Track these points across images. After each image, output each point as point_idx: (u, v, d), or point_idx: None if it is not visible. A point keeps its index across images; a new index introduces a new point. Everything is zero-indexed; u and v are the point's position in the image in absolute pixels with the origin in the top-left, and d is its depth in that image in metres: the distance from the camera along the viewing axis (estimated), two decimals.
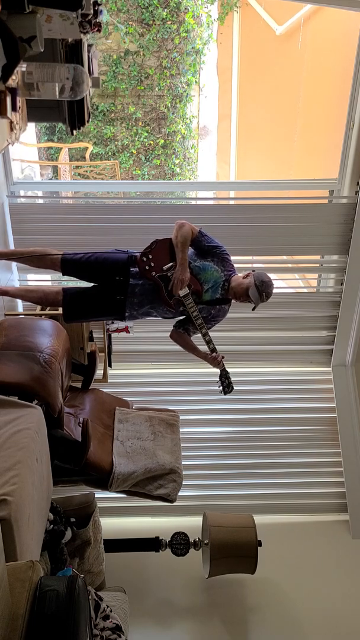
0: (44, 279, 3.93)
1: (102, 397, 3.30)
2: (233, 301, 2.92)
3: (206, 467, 3.88)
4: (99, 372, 3.51)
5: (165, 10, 6.46)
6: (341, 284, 3.91)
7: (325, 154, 4.66)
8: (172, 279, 2.75)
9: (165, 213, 3.70)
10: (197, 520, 3.32)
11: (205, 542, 3.10)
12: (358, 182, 3.68)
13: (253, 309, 2.84)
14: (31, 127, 5.89)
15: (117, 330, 3.67)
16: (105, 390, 3.42)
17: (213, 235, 2.91)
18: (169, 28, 6.59)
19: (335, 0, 3.32)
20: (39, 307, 3.47)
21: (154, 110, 6.99)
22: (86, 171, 5.35)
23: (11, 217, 3.62)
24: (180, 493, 3.01)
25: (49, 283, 3.90)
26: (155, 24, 6.56)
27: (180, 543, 3.14)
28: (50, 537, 2.49)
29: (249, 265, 3.94)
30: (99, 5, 2.12)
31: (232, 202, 4.31)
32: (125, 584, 3.11)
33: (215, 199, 4.58)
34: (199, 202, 4.34)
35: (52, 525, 2.51)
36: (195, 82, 7.00)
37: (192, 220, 2.91)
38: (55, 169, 6.34)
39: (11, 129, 1.81)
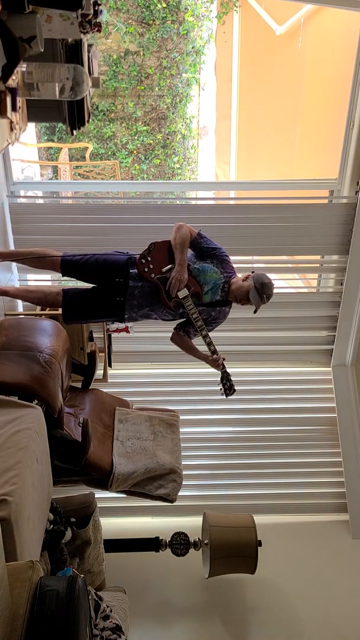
0: (44, 279, 3.93)
1: (102, 397, 3.30)
2: (234, 303, 2.92)
3: (206, 467, 3.88)
4: (99, 372, 3.51)
5: (164, 4, 6.45)
6: (341, 284, 3.91)
7: (325, 154, 4.66)
8: (170, 279, 2.75)
9: (165, 213, 3.70)
10: (197, 520, 3.32)
11: (205, 542, 3.10)
12: (358, 182, 3.68)
13: (255, 312, 2.84)
14: (31, 127, 5.89)
15: (117, 330, 3.67)
16: (105, 390, 3.42)
17: (212, 237, 2.91)
18: (169, 27, 6.59)
19: (335, 0, 3.32)
20: (38, 307, 3.47)
21: (154, 110, 6.99)
22: (86, 171, 5.35)
23: (11, 217, 3.62)
24: (180, 493, 3.00)
25: (49, 283, 3.90)
26: (155, 24, 6.56)
27: (180, 543, 3.14)
28: (50, 537, 2.49)
29: (249, 265, 3.94)
30: (99, 5, 2.12)
31: (232, 202, 4.31)
32: (125, 584, 3.11)
33: (215, 199, 4.58)
34: (199, 202, 4.33)
35: (52, 525, 2.51)
36: (196, 82, 7.00)
37: (192, 221, 2.91)
38: (55, 169, 6.34)
39: (11, 129, 1.82)
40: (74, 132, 2.39)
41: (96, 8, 2.07)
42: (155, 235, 3.04)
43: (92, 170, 5.32)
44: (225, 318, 2.96)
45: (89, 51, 2.29)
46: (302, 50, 5.27)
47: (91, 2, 1.96)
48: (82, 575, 1.82)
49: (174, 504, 3.01)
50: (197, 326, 2.80)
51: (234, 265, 2.92)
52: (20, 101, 1.84)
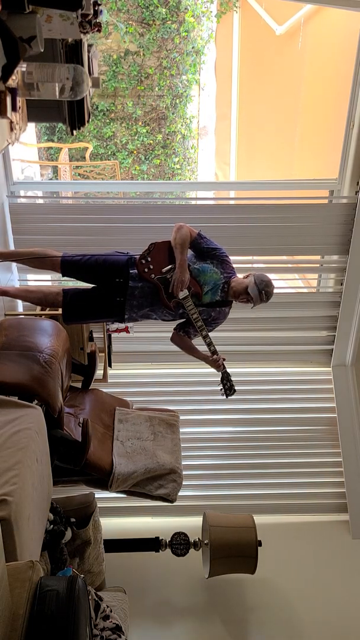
0: (44, 279, 3.93)
1: (102, 397, 3.30)
2: (233, 302, 2.91)
3: (206, 467, 3.88)
4: (99, 372, 3.51)
5: (165, 8, 6.46)
6: (341, 284, 3.91)
7: (325, 154, 4.66)
8: (172, 280, 2.76)
9: (165, 213, 3.70)
10: (197, 520, 3.32)
11: (205, 542, 3.10)
12: (358, 182, 3.68)
13: (252, 307, 2.83)
14: (31, 127, 5.89)
15: (117, 330, 3.67)
16: (105, 390, 3.42)
17: (212, 237, 2.91)
18: (169, 28, 6.59)
19: (335, 0, 3.32)
20: (38, 307, 3.47)
21: (154, 110, 6.99)
22: (86, 171, 5.35)
23: (11, 217, 3.62)
24: (180, 493, 3.00)
25: (49, 283, 3.90)
26: (155, 24, 6.56)
27: (180, 543, 3.14)
28: (50, 537, 2.49)
29: (249, 265, 3.94)
30: (99, 5, 2.12)
31: (232, 202, 4.31)
32: (125, 584, 3.11)
33: (215, 199, 4.58)
34: (199, 202, 4.33)
35: (52, 525, 2.51)
36: (196, 82, 7.00)
37: (192, 221, 2.91)
38: (55, 169, 6.34)
39: (11, 129, 1.82)
40: (74, 132, 2.39)
41: (96, 8, 2.07)
42: (155, 235, 3.04)
43: (92, 171, 5.32)
44: (225, 318, 2.96)
45: (89, 51, 2.29)
46: (302, 50, 5.27)
47: (91, 2, 1.96)
48: (82, 575, 1.82)
49: (174, 504, 3.01)
50: (197, 326, 2.80)
51: (234, 266, 2.92)
52: (20, 101, 1.84)
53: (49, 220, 3.69)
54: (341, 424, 3.92)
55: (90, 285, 2.94)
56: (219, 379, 2.88)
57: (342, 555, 3.62)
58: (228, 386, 2.86)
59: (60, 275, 3.05)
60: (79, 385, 3.30)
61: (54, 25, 1.87)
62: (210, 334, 2.85)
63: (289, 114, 5.54)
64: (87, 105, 2.36)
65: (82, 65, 2.16)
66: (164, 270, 2.79)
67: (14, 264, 3.63)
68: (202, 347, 2.91)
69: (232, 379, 2.88)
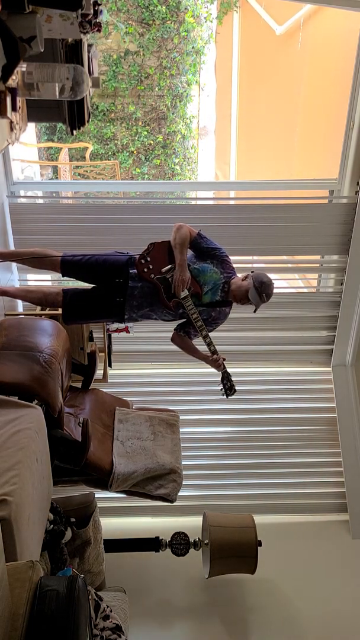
0: (44, 279, 3.93)
1: (102, 397, 3.30)
2: (234, 303, 2.91)
3: (206, 467, 3.88)
4: (99, 372, 3.51)
5: (165, 7, 6.46)
6: (341, 284, 3.91)
7: (325, 154, 4.66)
8: (173, 280, 2.76)
9: (165, 213, 3.70)
10: (197, 520, 3.32)
11: (205, 542, 3.10)
12: (358, 182, 3.68)
13: (255, 311, 2.84)
14: (31, 127, 5.89)
15: (117, 330, 3.67)
16: (105, 390, 3.42)
17: (212, 237, 2.91)
18: (169, 27, 6.59)
19: (335, 0, 3.32)
20: (38, 307, 3.47)
21: (154, 110, 6.99)
22: (86, 171, 5.35)
23: (11, 217, 3.62)
24: (180, 493, 3.00)
25: (49, 283, 3.90)
26: (155, 24, 6.56)
27: (180, 543, 3.14)
28: (50, 537, 2.49)
29: (249, 265, 3.94)
30: (99, 5, 2.12)
31: (232, 202, 4.31)
32: (125, 584, 3.11)
33: (215, 199, 4.58)
34: (199, 202, 4.33)
35: (52, 525, 2.51)
36: (196, 82, 7.00)
37: (192, 221, 2.91)
38: (55, 169, 6.34)
39: (11, 129, 1.82)
40: (74, 132, 2.39)
41: (96, 8, 2.07)
42: (155, 235, 3.04)
43: (92, 170, 5.32)
44: (225, 318, 2.96)
45: (89, 51, 2.30)
46: (302, 50, 5.27)
47: (91, 2, 1.96)
48: (82, 575, 1.82)
49: (174, 504, 3.01)
50: (197, 326, 2.80)
51: (234, 265, 2.92)
52: (20, 101, 1.84)
53: (49, 220, 3.69)
54: (341, 424, 3.92)
55: (90, 285, 2.94)
56: (219, 379, 2.88)
57: (342, 555, 3.62)
58: (228, 386, 2.86)
59: (60, 275, 3.05)
60: (79, 385, 3.30)
61: (54, 25, 1.87)
62: (211, 334, 2.85)
63: (289, 114, 5.54)
64: (87, 105, 2.36)
65: (82, 65, 2.17)
66: (164, 270, 2.79)
67: (14, 264, 3.63)
68: (202, 347, 2.91)
69: (232, 378, 2.88)
